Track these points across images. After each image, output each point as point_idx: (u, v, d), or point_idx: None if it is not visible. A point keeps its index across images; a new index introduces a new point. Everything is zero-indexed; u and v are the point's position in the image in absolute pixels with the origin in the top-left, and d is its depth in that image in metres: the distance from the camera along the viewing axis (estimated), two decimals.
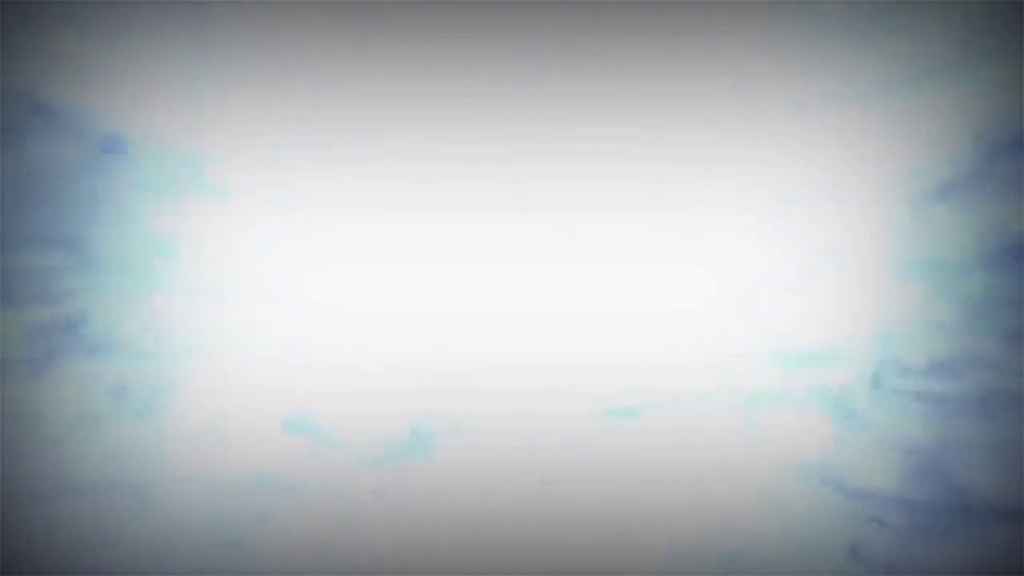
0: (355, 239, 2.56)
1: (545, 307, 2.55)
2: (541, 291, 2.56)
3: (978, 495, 2.46)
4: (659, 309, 2.55)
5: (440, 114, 2.57)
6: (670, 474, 2.51)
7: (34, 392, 2.48)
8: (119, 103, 2.51)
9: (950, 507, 2.46)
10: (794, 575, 2.47)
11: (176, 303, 2.52)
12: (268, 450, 2.50)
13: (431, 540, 2.49)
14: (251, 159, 2.55)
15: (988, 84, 2.49)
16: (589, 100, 2.56)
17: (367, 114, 2.56)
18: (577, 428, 2.53)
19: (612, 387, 2.53)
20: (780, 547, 2.48)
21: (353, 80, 2.56)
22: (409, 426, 2.53)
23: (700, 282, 2.55)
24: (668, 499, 2.50)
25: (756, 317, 2.54)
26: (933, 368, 2.50)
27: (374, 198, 2.57)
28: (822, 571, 2.47)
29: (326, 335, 2.53)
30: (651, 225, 2.56)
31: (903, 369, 2.51)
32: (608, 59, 2.55)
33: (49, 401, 2.47)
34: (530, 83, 2.56)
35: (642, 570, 2.48)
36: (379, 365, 2.53)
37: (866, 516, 2.48)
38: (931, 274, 2.51)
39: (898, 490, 2.48)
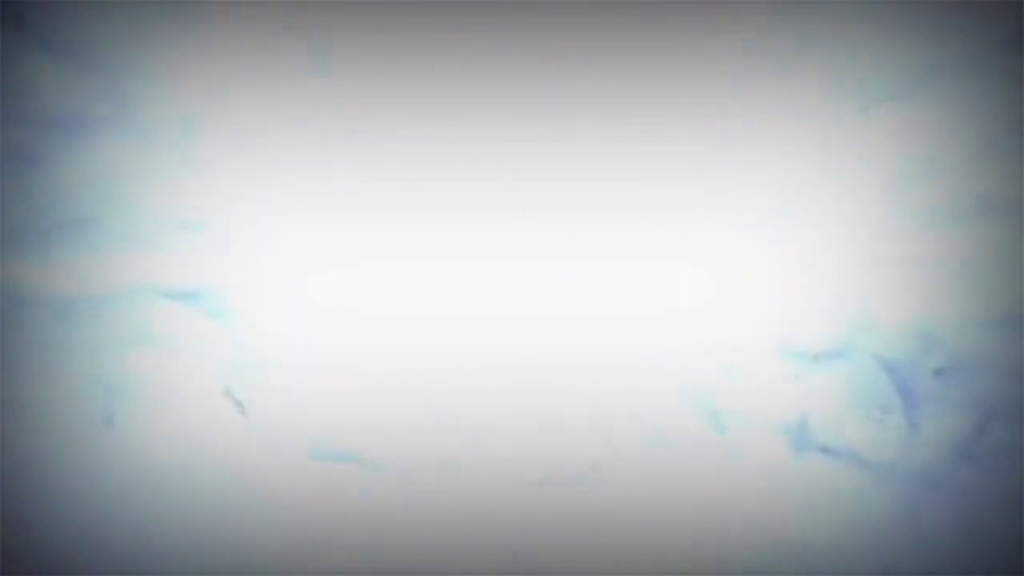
0: (355, 239, 2.56)
1: (545, 307, 2.55)
2: (541, 291, 2.56)
3: (980, 495, 2.46)
4: (659, 309, 2.55)
5: (440, 114, 2.57)
6: (671, 474, 2.51)
7: (34, 391, 2.48)
8: (117, 102, 2.52)
9: (951, 505, 2.46)
10: (794, 575, 2.47)
11: (176, 303, 2.52)
12: (268, 449, 2.51)
13: (430, 540, 2.50)
14: (251, 158, 2.55)
15: (990, 84, 2.49)
16: (589, 100, 2.56)
17: (367, 114, 2.57)
18: (577, 428, 2.53)
19: (612, 387, 2.54)
20: (781, 548, 2.48)
21: (353, 80, 2.56)
22: (408, 426, 2.53)
23: (700, 282, 2.55)
24: (669, 499, 2.50)
25: (756, 317, 2.54)
26: (935, 368, 2.50)
27: (374, 198, 2.57)
28: (822, 571, 2.47)
29: (326, 335, 2.53)
30: (651, 225, 2.56)
31: (905, 369, 2.51)
32: (608, 59, 2.55)
33: (49, 400, 2.47)
34: (530, 82, 2.56)
35: (642, 570, 2.48)
36: (379, 365, 2.53)
37: (865, 515, 2.48)
38: (932, 273, 2.51)
39: (899, 489, 2.48)
